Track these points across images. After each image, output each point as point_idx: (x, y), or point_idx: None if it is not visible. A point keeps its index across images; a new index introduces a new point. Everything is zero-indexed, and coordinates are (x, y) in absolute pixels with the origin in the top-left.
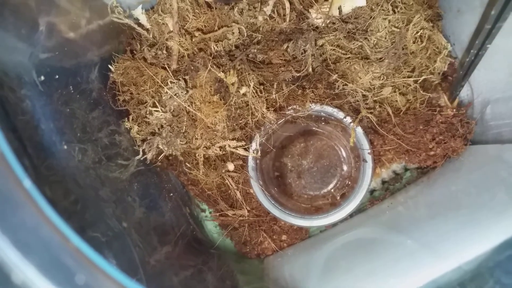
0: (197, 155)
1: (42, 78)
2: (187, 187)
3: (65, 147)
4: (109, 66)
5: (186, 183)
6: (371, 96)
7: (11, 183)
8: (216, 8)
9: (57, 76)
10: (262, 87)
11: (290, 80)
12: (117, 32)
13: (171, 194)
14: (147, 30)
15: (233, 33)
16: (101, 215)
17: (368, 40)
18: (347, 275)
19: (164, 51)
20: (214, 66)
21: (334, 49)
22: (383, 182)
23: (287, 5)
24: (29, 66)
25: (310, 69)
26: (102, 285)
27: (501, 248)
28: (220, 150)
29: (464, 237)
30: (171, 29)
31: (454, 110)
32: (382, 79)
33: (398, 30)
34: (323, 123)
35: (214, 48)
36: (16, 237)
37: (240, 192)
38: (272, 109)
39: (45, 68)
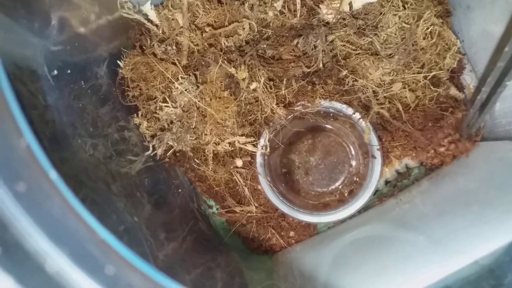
0: (206, 151)
1: (55, 72)
2: (194, 183)
3: (79, 141)
4: (118, 61)
5: (193, 180)
6: (381, 92)
7: (37, 175)
8: (226, 3)
9: (68, 71)
10: (272, 82)
11: (300, 75)
12: (126, 27)
13: (180, 190)
14: (157, 25)
15: (244, 28)
16: (113, 208)
17: (378, 36)
18: (356, 272)
19: (174, 47)
20: (225, 62)
21: (344, 45)
22: (386, 182)
23: (298, 0)
24: (41, 59)
25: (321, 65)
26: (130, 275)
27: None
28: (229, 146)
29: (475, 234)
30: (181, 25)
31: (464, 110)
32: (392, 75)
33: (408, 26)
34: (331, 119)
35: (224, 44)
36: (47, 228)
37: (248, 188)
38: (282, 105)
39: (57, 63)
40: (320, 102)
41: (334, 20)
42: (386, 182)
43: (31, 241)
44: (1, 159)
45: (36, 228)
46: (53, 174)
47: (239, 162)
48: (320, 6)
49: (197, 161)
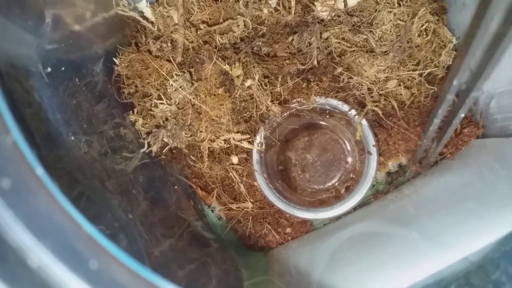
0: (201, 148)
1: (49, 69)
2: (191, 180)
3: (72, 138)
4: (114, 59)
5: (190, 177)
6: (376, 89)
7: (24, 171)
8: (221, 1)
9: (63, 68)
10: (266, 80)
11: (295, 73)
12: (121, 25)
13: (176, 187)
14: (152, 23)
15: (238, 25)
16: (108, 206)
17: (373, 33)
18: (352, 268)
19: (169, 44)
20: (220, 59)
21: (339, 42)
22: (389, 174)
23: None
24: (35, 57)
25: (315, 62)
26: (114, 270)
27: (506, 239)
28: (225, 143)
29: (469, 230)
30: (176, 22)
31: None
32: (387, 72)
33: (403, 23)
34: (327, 116)
35: (219, 41)
36: (30, 223)
37: (244, 185)
38: (277, 102)
39: (51, 60)
40: (315, 99)
41: (329, 17)
42: (389, 173)
43: (14, 236)
44: None
45: (19, 223)
46: (40, 170)
47: (234, 159)
48: (315, 3)
49: (193, 158)
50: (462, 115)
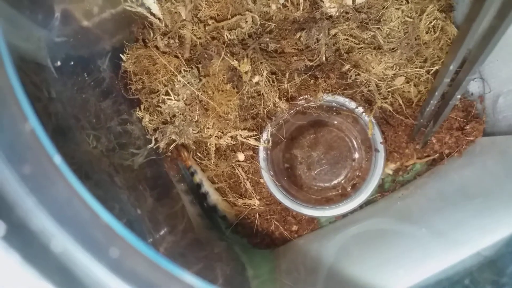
0: (208, 144)
1: (58, 63)
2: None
3: (81, 133)
4: (121, 55)
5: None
6: (384, 86)
7: (42, 159)
8: None
9: (72, 63)
10: (274, 76)
11: (302, 69)
12: (128, 21)
13: (181, 184)
14: (159, 19)
15: (246, 21)
16: (117, 200)
17: (381, 30)
18: (359, 266)
19: (177, 40)
20: (228, 55)
21: (347, 39)
22: (393, 173)
23: None
24: (44, 52)
25: (324, 58)
26: (134, 258)
27: None
28: (232, 139)
29: (477, 226)
30: (184, 18)
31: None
32: (395, 69)
33: (411, 20)
34: (334, 114)
35: (227, 37)
36: (52, 209)
37: (250, 182)
38: (284, 98)
39: (60, 54)
40: (322, 96)
41: (337, 14)
42: (393, 173)
43: (36, 221)
44: (7, 142)
45: (41, 208)
46: (58, 159)
47: (241, 156)
48: None
49: (200, 154)
50: (459, 96)
